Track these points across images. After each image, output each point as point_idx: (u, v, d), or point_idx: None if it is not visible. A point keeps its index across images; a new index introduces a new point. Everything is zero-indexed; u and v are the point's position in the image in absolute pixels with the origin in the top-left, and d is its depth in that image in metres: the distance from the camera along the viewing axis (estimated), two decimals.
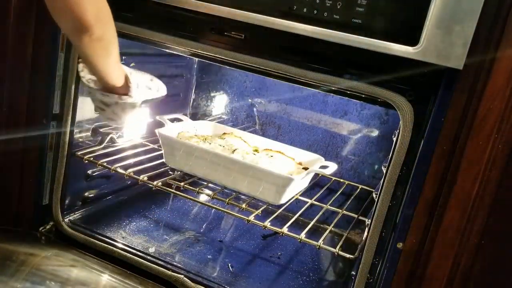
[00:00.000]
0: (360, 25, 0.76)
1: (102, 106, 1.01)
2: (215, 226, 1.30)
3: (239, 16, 0.84)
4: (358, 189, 1.33)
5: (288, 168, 1.14)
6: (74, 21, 0.76)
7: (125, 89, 0.97)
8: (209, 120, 1.46)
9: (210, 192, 1.08)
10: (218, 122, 1.53)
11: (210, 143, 1.17)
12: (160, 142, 1.17)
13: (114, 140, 1.25)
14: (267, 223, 1.00)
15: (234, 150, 1.13)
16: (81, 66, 1.00)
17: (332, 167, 1.10)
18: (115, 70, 0.93)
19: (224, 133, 1.29)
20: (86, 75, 0.99)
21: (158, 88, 1.08)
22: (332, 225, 1.06)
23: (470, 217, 0.75)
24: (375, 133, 1.33)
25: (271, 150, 1.22)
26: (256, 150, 1.21)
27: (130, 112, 1.02)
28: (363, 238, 0.94)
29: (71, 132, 1.08)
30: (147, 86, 1.05)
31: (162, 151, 1.17)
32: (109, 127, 1.23)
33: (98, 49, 0.84)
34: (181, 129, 1.24)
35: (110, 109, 1.02)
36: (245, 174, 1.06)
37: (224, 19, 0.85)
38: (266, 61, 0.87)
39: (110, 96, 0.97)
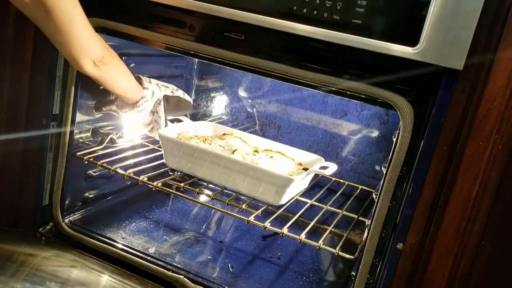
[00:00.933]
0: (360, 26, 0.76)
1: (147, 126, 1.18)
2: (215, 227, 1.29)
3: (239, 17, 0.84)
4: (358, 190, 1.32)
5: (288, 169, 1.14)
6: (92, 59, 0.90)
7: (141, 90, 1.11)
8: (209, 121, 1.46)
9: (210, 193, 1.08)
10: (218, 122, 1.52)
11: (210, 144, 1.17)
12: (160, 142, 1.17)
13: (114, 140, 1.25)
14: (267, 224, 1.00)
15: (234, 151, 1.13)
16: (116, 103, 1.14)
17: (332, 167, 1.10)
18: (132, 76, 1.06)
19: (224, 134, 1.29)
20: (118, 105, 1.13)
21: (173, 89, 1.21)
22: (332, 225, 1.06)
23: (470, 217, 0.75)
24: (375, 133, 1.33)
25: (271, 150, 1.22)
26: (256, 151, 1.21)
27: (161, 108, 1.14)
28: (363, 239, 0.94)
29: (71, 133, 1.08)
30: (162, 85, 1.17)
31: (162, 152, 1.17)
32: (110, 128, 1.23)
33: (115, 68, 0.97)
34: (181, 129, 1.24)
35: (152, 118, 1.17)
36: (245, 175, 1.06)
37: (224, 20, 0.85)
38: (266, 61, 0.87)
39: (139, 106, 1.11)
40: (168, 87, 1.19)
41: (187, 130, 1.26)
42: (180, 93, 1.21)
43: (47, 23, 0.84)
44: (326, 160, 1.20)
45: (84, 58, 0.89)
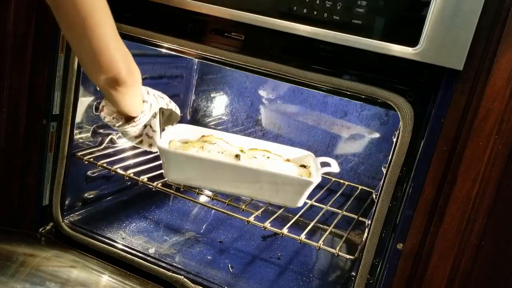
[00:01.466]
0: (360, 26, 0.76)
1: (135, 139, 1.06)
2: (215, 227, 1.29)
3: (239, 17, 0.84)
4: (358, 190, 1.32)
5: (294, 169, 1.12)
6: (110, 78, 0.80)
7: (142, 106, 1.00)
8: (209, 121, 1.45)
9: (210, 193, 1.08)
10: (218, 123, 1.53)
11: (209, 151, 1.10)
12: (163, 157, 1.06)
13: (114, 141, 1.25)
14: (267, 224, 1.00)
15: (236, 156, 1.08)
16: (104, 113, 1.00)
17: (333, 162, 1.09)
18: (141, 96, 0.97)
19: (203, 136, 1.19)
20: (107, 116, 1.00)
21: (167, 101, 1.11)
22: (332, 226, 1.06)
23: (470, 217, 0.75)
24: (375, 134, 1.33)
25: (256, 149, 1.17)
26: (241, 151, 1.15)
27: (156, 122, 1.04)
28: (363, 239, 0.94)
29: (71, 133, 1.08)
30: (158, 95, 1.08)
31: (164, 167, 1.07)
32: (109, 128, 1.23)
33: (132, 93, 0.89)
34: (170, 137, 1.13)
35: (143, 131, 1.05)
36: (266, 182, 1.03)
37: (224, 20, 0.86)
38: (266, 62, 0.87)
39: (136, 121, 0.99)
40: (163, 98, 1.09)
41: (173, 136, 1.15)
42: (172, 105, 1.12)
43: (59, 17, 0.76)
44: None
45: (96, 72, 0.78)
